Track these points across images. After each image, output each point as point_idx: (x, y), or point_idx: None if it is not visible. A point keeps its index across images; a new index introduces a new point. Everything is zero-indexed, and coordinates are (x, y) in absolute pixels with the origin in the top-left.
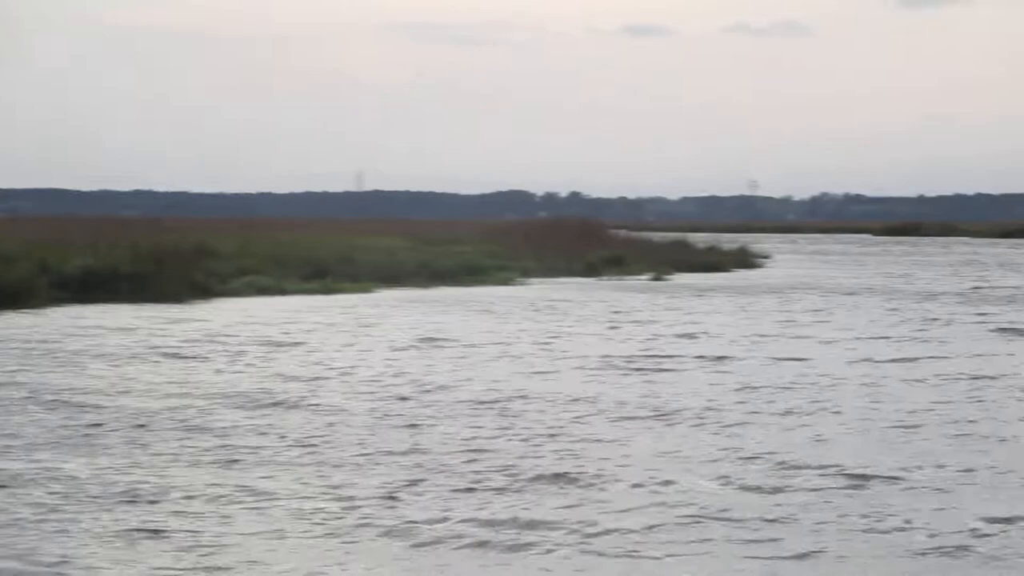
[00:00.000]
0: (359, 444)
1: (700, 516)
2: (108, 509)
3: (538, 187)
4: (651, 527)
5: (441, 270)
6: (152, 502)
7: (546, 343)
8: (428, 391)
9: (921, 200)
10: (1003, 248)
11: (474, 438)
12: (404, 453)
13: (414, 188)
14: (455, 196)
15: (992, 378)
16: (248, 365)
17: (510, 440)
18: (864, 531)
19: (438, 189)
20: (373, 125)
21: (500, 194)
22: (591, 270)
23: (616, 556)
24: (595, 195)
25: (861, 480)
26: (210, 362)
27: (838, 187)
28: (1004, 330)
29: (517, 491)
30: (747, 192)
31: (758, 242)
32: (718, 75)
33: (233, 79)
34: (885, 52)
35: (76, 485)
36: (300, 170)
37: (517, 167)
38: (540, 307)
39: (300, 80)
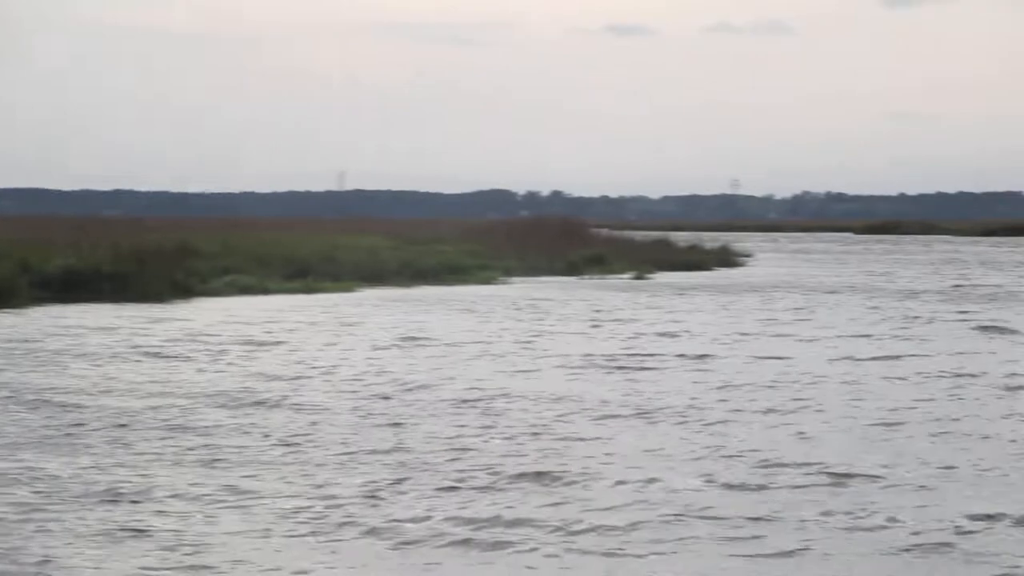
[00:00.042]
0: (342, 443)
1: (684, 514)
2: (91, 508)
3: (520, 186)
4: (635, 525)
5: (423, 269)
6: (135, 501)
7: (528, 342)
8: (411, 390)
9: (902, 198)
10: (984, 246)
11: (457, 437)
12: (387, 452)
13: (396, 187)
14: (437, 195)
15: (974, 376)
16: (230, 364)
17: (493, 439)
18: (847, 529)
19: (420, 188)
20: (355, 124)
21: (482, 193)
22: (573, 269)
23: (600, 554)
24: (577, 194)
25: (844, 478)
26: (192, 361)
27: (820, 186)
28: (985, 328)
29: (500, 489)
30: (729, 191)
31: (740, 241)
32: (700, 74)
33: (213, 79)
34: (867, 51)
35: (59, 484)
36: (282, 170)
37: (499, 166)
38: (522, 306)
39: (282, 80)
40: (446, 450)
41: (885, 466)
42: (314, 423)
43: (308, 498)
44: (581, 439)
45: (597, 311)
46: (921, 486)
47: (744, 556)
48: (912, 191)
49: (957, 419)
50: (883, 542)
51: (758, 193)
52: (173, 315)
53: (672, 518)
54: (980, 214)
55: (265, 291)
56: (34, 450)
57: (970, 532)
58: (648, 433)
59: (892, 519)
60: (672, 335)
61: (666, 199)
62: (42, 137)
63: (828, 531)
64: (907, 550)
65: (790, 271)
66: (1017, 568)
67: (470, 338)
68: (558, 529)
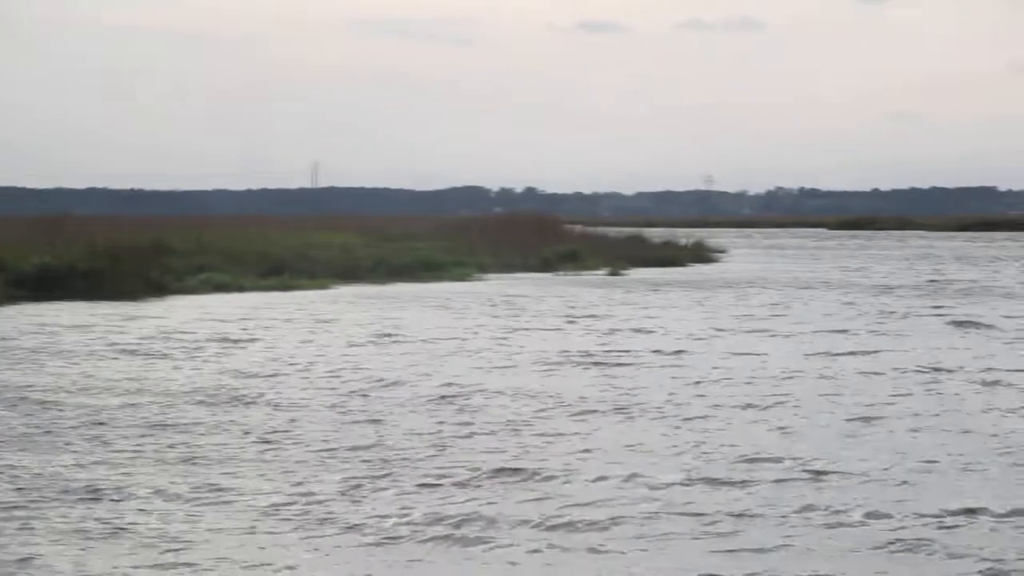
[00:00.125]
0: (321, 440)
1: (664, 510)
2: (71, 506)
3: (493, 183)
4: (616, 520)
5: (398, 266)
6: (116, 500)
7: (504, 338)
8: (388, 387)
9: (876, 194)
10: (959, 242)
11: (436, 433)
12: (367, 448)
13: (369, 184)
14: (410, 192)
15: (951, 371)
16: (207, 362)
17: (472, 435)
18: (828, 525)
19: (393, 185)
20: (327, 121)
21: (455, 190)
22: (547, 265)
23: (582, 550)
24: (550, 190)
25: (823, 473)
26: (169, 359)
27: (793, 182)
28: (961, 323)
29: (481, 486)
30: (702, 187)
31: (714, 237)
32: (672, 71)
33: (186, 76)
34: (839, 47)
35: (39, 483)
36: (254, 167)
37: (472, 163)
38: (497, 303)
39: (253, 77)
40: (425, 446)
41: (865, 461)
42: (292, 420)
43: (289, 495)
44: (560, 435)
45: (572, 307)
46: (902, 481)
47: (725, 551)
48: (885, 187)
49: (936, 414)
50: (864, 537)
51: (731, 189)
52: (148, 313)
53: (653, 514)
54: (954, 210)
55: (240, 289)
56: (13, 448)
57: (952, 527)
58: (627, 429)
59: (873, 514)
60: (648, 331)
61: (640, 195)
62: (16, 135)
63: (809, 527)
64: (888, 545)
65: (765, 267)
66: (999, 562)
67: (446, 335)
68: (539, 525)
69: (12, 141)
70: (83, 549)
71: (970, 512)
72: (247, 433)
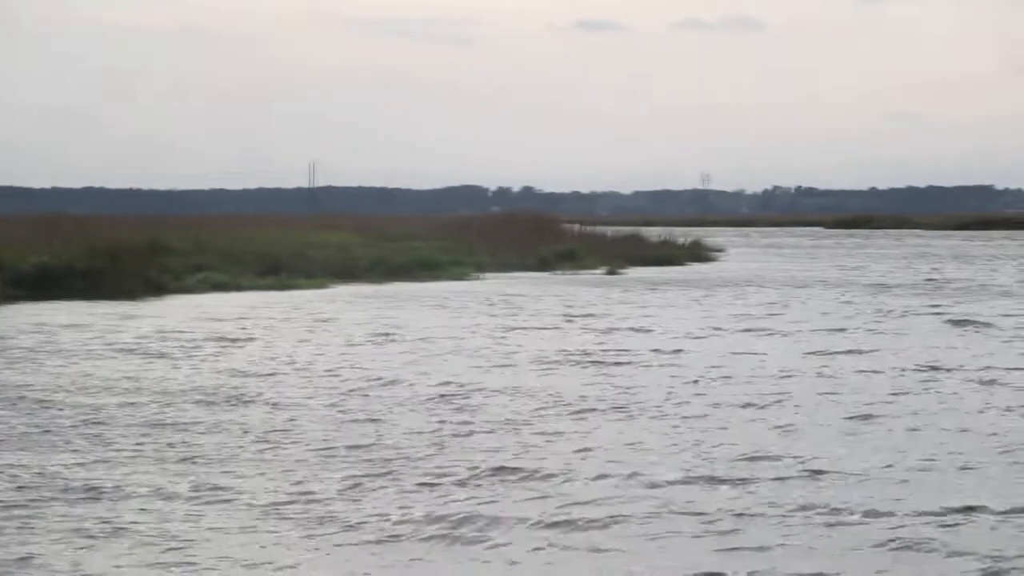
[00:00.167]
0: (321, 439)
1: (665, 508)
2: (71, 506)
3: (490, 182)
4: (616, 519)
5: (396, 266)
6: (115, 499)
7: (503, 337)
8: (387, 386)
9: (873, 193)
10: (956, 240)
11: (435, 432)
12: (366, 448)
13: (366, 184)
14: (407, 191)
15: (949, 370)
16: (205, 361)
17: (472, 434)
18: (828, 524)
19: (390, 184)
20: (325, 121)
21: (453, 189)
22: (544, 265)
23: (582, 549)
24: (548, 190)
25: (823, 472)
26: (167, 359)
27: (790, 181)
28: (959, 322)
29: (481, 485)
30: (699, 186)
31: (711, 236)
32: (670, 69)
33: (184, 76)
34: (837, 46)
35: (37, 482)
36: (252, 166)
37: (469, 162)
38: (495, 302)
39: (251, 76)
40: (425, 445)
41: (864, 460)
42: (292, 419)
43: (289, 494)
44: (559, 433)
45: (570, 306)
46: (902, 480)
47: (726, 550)
48: (882, 185)
49: (934, 413)
50: (864, 536)
51: (729, 188)
52: (146, 312)
53: (653, 512)
54: (951, 208)
55: (238, 288)
56: (12, 448)
57: (951, 525)
58: (626, 428)
59: (873, 512)
60: (646, 330)
61: (637, 194)
62: (13, 134)
63: (809, 525)
64: (888, 544)
65: (762, 266)
66: (999, 561)
67: (444, 334)
68: (539, 524)
69: (10, 140)
70: (83, 548)
71: (969, 510)
72: (246, 432)
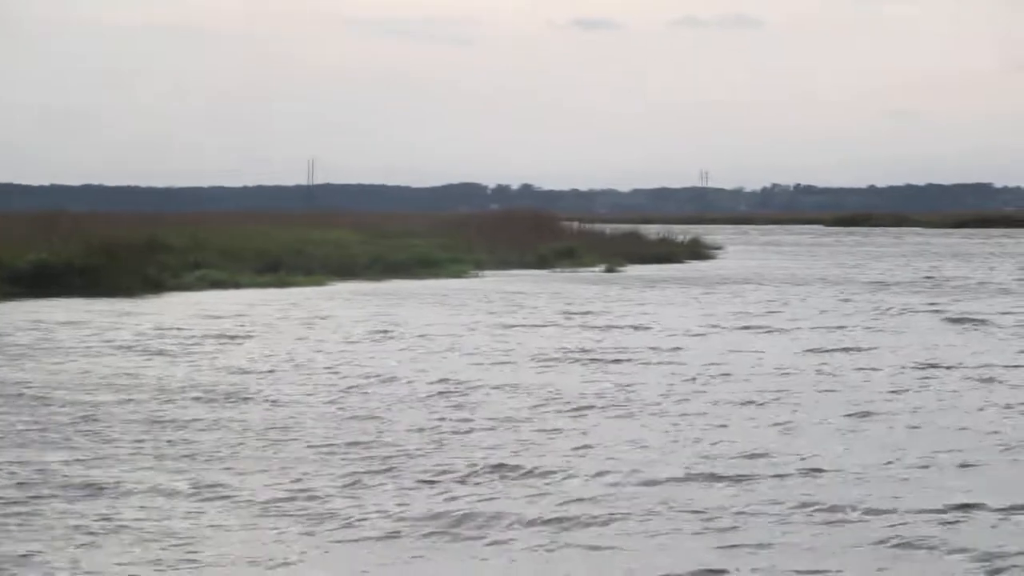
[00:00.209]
0: (320, 436)
1: (664, 506)
2: (71, 503)
3: (489, 179)
4: (615, 517)
5: (395, 263)
6: (115, 496)
7: (502, 335)
8: (386, 383)
9: (872, 191)
10: (955, 238)
11: (435, 429)
12: (366, 445)
13: (365, 181)
14: (406, 189)
15: (948, 367)
16: (204, 359)
17: (471, 431)
18: (827, 522)
19: (389, 182)
20: (324, 118)
21: (451, 187)
22: (543, 262)
23: (581, 547)
24: (546, 187)
25: (822, 470)
26: (167, 356)
27: (789, 178)
28: (958, 320)
29: (480, 482)
30: (698, 183)
31: (710, 233)
32: (668, 67)
33: (180, 72)
34: (836, 44)
35: (37, 480)
36: (250, 164)
37: (468, 160)
38: (494, 299)
39: (250, 73)
40: (424, 442)
41: (864, 458)
42: (291, 416)
43: (289, 491)
44: (559, 431)
45: (569, 304)
46: (901, 478)
47: (725, 547)
48: (881, 183)
49: (933, 411)
50: (864, 534)
51: (728, 186)
52: (145, 310)
53: (652, 510)
54: (950, 206)
55: (236, 285)
56: (11, 445)
57: (951, 523)
58: (625, 425)
59: (872, 510)
60: (645, 328)
61: (636, 192)
62: (11, 132)
63: (809, 523)
64: (888, 541)
65: (761, 263)
66: (999, 558)
67: (443, 331)
68: (539, 521)
69: (8, 138)
70: (83, 546)
71: (969, 508)
72: (246, 429)
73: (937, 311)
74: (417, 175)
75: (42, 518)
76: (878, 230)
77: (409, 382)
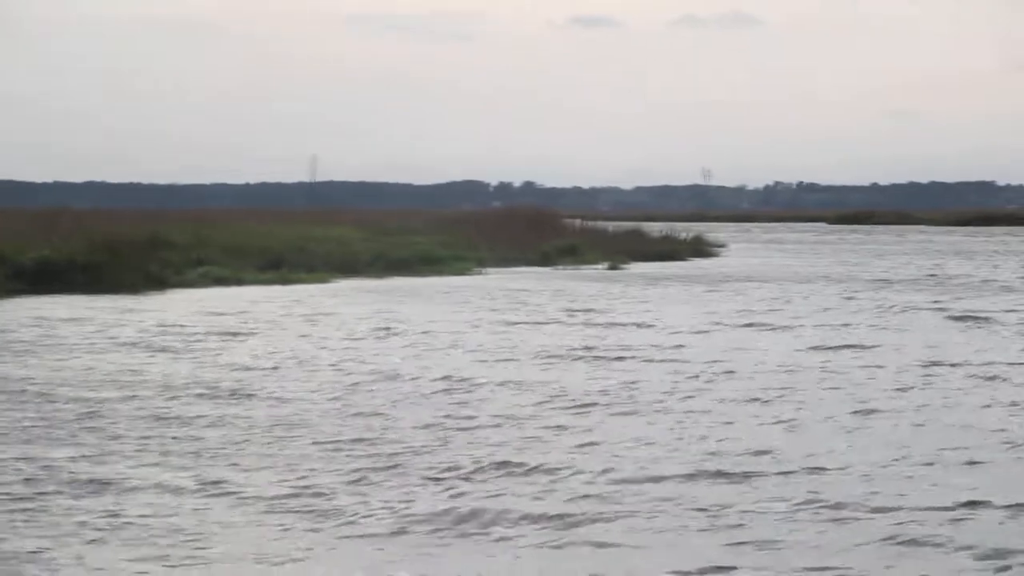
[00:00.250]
0: (325, 433)
1: (670, 504)
2: (77, 500)
3: (491, 177)
4: (620, 515)
5: (397, 260)
6: (121, 493)
7: (505, 332)
8: (390, 380)
9: (874, 188)
10: (958, 236)
11: (439, 426)
12: (371, 442)
13: (367, 179)
14: (408, 186)
15: (952, 365)
16: (208, 355)
17: (475, 428)
18: (833, 519)
19: (391, 179)
20: (326, 116)
21: (453, 184)
22: (546, 259)
23: (587, 544)
24: (549, 185)
25: (828, 467)
26: (170, 353)
27: (791, 176)
28: (962, 318)
29: (485, 479)
30: (701, 181)
31: (713, 231)
32: (668, 65)
33: (181, 69)
34: (836, 44)
35: (43, 476)
36: (252, 161)
37: (470, 157)
38: (497, 296)
39: (252, 70)
40: (429, 439)
41: (869, 455)
42: (296, 413)
43: (295, 488)
44: (563, 428)
45: (572, 301)
46: (907, 475)
47: (731, 544)
48: (884, 181)
49: (938, 408)
50: (870, 531)
51: (730, 183)
52: (148, 306)
53: (658, 507)
54: (953, 204)
55: (239, 282)
56: (17, 441)
57: (957, 520)
58: (630, 423)
59: (878, 508)
60: (648, 325)
61: (638, 190)
62: (13, 128)
63: (815, 521)
64: (894, 539)
65: (764, 261)
66: (1005, 555)
67: (446, 328)
68: (544, 518)
69: (10, 134)
70: (90, 543)
71: (975, 505)
72: (251, 426)
73: (941, 309)
74: (419, 172)
75: (49, 514)
76: (881, 228)
77: (413, 379)
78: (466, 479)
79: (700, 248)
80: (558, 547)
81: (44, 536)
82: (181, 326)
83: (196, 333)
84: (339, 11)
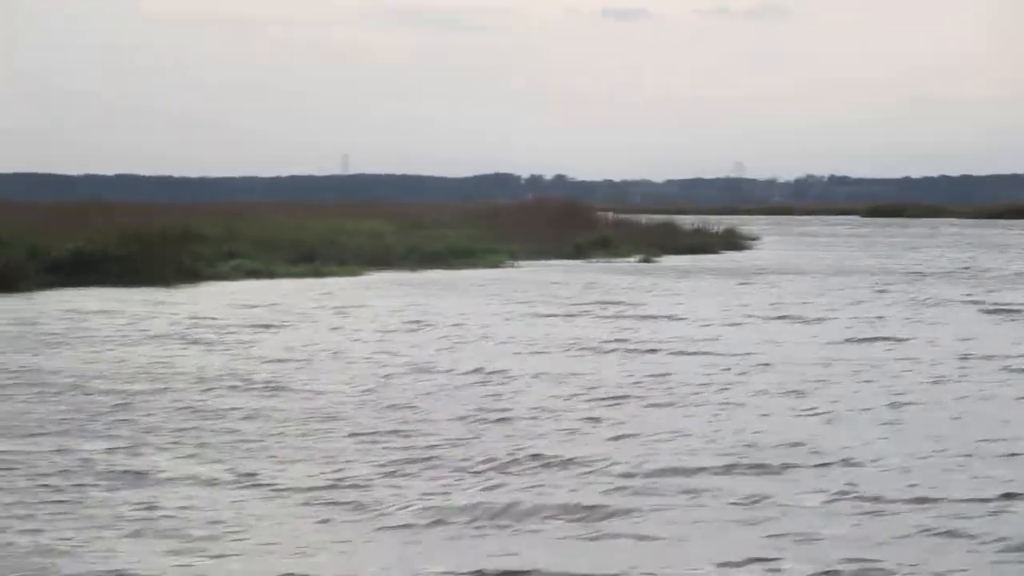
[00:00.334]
0: (360, 425)
1: (706, 496)
2: (113, 492)
3: (523, 170)
4: (657, 507)
5: (430, 253)
6: (157, 485)
7: (538, 324)
8: (424, 372)
9: (906, 182)
10: (992, 229)
11: (474, 418)
12: (406, 434)
13: (399, 171)
14: (440, 179)
15: (987, 358)
16: (242, 347)
17: (510, 420)
18: (871, 512)
19: (423, 172)
20: (358, 109)
21: (485, 177)
22: (579, 252)
23: (626, 537)
24: (580, 178)
25: (864, 460)
26: (203, 345)
27: (822, 169)
28: (995, 311)
29: (522, 471)
30: (732, 174)
31: (745, 224)
32: (700, 57)
33: (213, 63)
34: (866, 32)
35: (79, 468)
36: (285, 154)
37: (502, 150)
38: (530, 289)
39: (283, 63)
40: (464, 432)
41: (906, 448)
42: (330, 406)
43: (332, 480)
44: (597, 420)
45: (605, 294)
46: (944, 468)
47: (769, 537)
48: (916, 174)
49: (974, 401)
50: (908, 524)
51: (761, 176)
52: (180, 299)
53: (695, 500)
54: (985, 197)
55: (271, 275)
56: (52, 433)
57: (995, 512)
58: (665, 415)
59: (917, 500)
60: (682, 318)
61: (670, 183)
62: (46, 121)
63: (853, 514)
64: (931, 531)
65: (797, 254)
66: None
67: (480, 321)
68: (583, 509)
69: (42, 127)
70: (127, 535)
71: (1012, 497)
72: (286, 419)
73: (974, 302)
74: (451, 165)
75: (85, 507)
76: (914, 221)
77: (447, 371)
78: (502, 471)
79: (733, 241)
80: (595, 539)
81: (81, 528)
82: (214, 318)
83: (229, 325)
84: (373, 3)
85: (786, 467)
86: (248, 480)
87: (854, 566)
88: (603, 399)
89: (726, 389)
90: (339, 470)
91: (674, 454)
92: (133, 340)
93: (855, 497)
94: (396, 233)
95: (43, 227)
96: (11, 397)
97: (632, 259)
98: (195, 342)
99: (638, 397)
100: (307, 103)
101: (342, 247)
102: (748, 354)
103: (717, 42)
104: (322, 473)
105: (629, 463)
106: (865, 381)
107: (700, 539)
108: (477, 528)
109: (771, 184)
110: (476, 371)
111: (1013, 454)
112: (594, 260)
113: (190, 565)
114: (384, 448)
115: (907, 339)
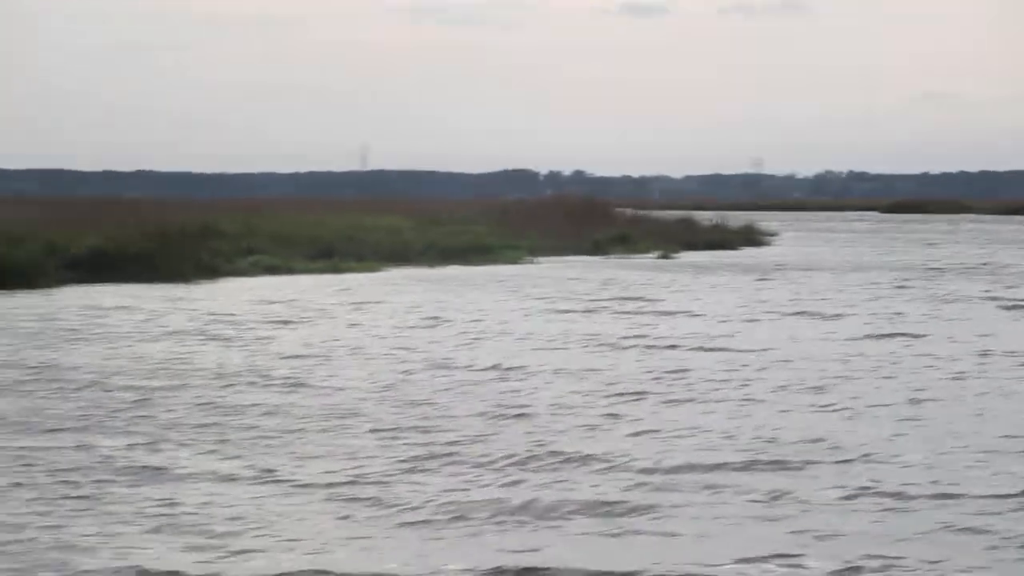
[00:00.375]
0: (380, 421)
1: (725, 492)
2: (133, 488)
3: (542, 166)
4: (679, 505)
5: (449, 249)
6: (178, 481)
7: (557, 320)
8: (443, 368)
9: (925, 177)
10: (1011, 225)
11: (493, 415)
12: (425, 430)
13: (418, 167)
14: (459, 175)
15: (1008, 355)
16: (260, 344)
17: (529, 416)
18: (891, 509)
19: (442, 168)
20: (377, 104)
21: (504, 173)
22: (598, 248)
23: (647, 533)
24: (599, 174)
25: (885, 456)
26: (222, 341)
27: (842, 164)
28: (1015, 307)
29: (542, 467)
30: (751, 170)
31: (764, 220)
32: (719, 54)
33: (232, 60)
34: (885, 28)
35: (99, 465)
36: (303, 150)
37: (520, 146)
38: (549, 285)
39: (302, 60)
40: (483, 427)
41: (927, 444)
42: (350, 402)
43: (352, 476)
44: (616, 416)
45: (624, 290)
46: (965, 465)
47: (792, 533)
48: (935, 170)
49: (995, 397)
50: (929, 521)
51: (780, 172)
52: (199, 295)
53: (716, 496)
54: (1004, 193)
55: (290, 271)
56: (72, 429)
57: (1016, 510)
58: (685, 411)
59: (938, 496)
60: (701, 314)
61: (688, 178)
62: (64, 118)
63: (873, 510)
64: (952, 528)
65: (817, 250)
66: None
67: (499, 317)
68: (603, 505)
69: (61, 124)
70: (148, 531)
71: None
72: (306, 415)
73: (994, 298)
74: (469, 161)
75: (105, 503)
76: (934, 217)
77: (466, 367)
78: (521, 467)
79: (752, 237)
80: (616, 536)
81: (101, 524)
82: (232, 315)
83: (248, 321)
84: (385, 1)
85: (806, 463)
86: (268, 476)
87: (875, 562)
88: (622, 395)
89: (745, 385)
90: (359, 466)
91: (694, 450)
92: (152, 336)
93: (876, 493)
94: (415, 229)
95: (61, 224)
96: (31, 393)
97: (651, 255)
98: (214, 338)
99: (657, 393)
100: (326, 99)
101: (361, 243)
102: (767, 350)
103: (737, 38)
104: (342, 469)
105: (649, 459)
106: (885, 377)
107: (721, 535)
108: (497, 524)
109: (790, 180)
110: (495, 367)
111: None
112: (613, 256)
113: (210, 561)
114: (404, 444)
115: (926, 335)
